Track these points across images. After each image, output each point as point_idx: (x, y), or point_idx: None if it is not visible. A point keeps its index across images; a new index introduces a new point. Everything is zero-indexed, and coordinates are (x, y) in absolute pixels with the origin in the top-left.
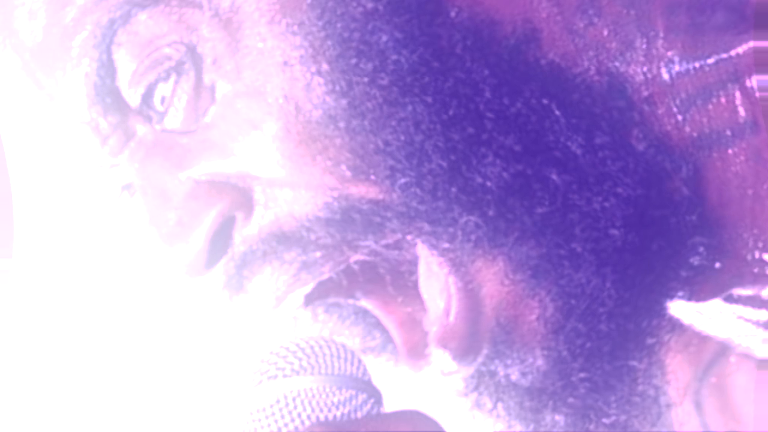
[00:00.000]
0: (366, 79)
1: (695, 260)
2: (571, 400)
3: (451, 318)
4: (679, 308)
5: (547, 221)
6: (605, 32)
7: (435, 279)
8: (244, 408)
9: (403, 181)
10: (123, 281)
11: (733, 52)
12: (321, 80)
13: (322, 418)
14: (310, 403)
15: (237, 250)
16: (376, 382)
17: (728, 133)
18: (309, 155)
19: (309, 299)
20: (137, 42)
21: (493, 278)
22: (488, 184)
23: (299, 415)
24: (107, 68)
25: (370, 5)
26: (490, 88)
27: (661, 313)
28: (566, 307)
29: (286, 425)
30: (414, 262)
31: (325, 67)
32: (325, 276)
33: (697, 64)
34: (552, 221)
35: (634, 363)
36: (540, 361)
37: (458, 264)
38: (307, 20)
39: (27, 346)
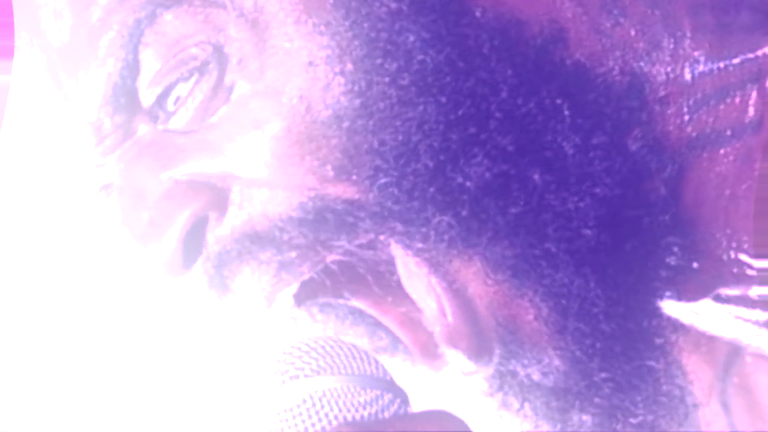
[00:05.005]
0: (387, 79)
1: (671, 260)
2: (597, 400)
3: (450, 318)
4: (673, 309)
5: (520, 221)
6: (632, 32)
7: (416, 279)
8: (270, 408)
9: (383, 181)
10: (122, 283)
11: (759, 52)
12: (342, 80)
13: (349, 418)
14: (336, 403)
15: (211, 250)
16: (400, 382)
17: (728, 133)
18: (299, 155)
19: (298, 299)
20: (164, 42)
21: (475, 278)
22: (467, 184)
23: (326, 415)
24: (131, 68)
25: (393, 5)
26: (509, 88)
27: (658, 313)
28: (559, 308)
29: (313, 425)
30: (391, 262)
31: (349, 67)
32: (306, 276)
33: (721, 64)
34: (525, 221)
35: (652, 363)
36: (557, 361)
37: (436, 264)
38: (334, 20)
39: (18, 347)
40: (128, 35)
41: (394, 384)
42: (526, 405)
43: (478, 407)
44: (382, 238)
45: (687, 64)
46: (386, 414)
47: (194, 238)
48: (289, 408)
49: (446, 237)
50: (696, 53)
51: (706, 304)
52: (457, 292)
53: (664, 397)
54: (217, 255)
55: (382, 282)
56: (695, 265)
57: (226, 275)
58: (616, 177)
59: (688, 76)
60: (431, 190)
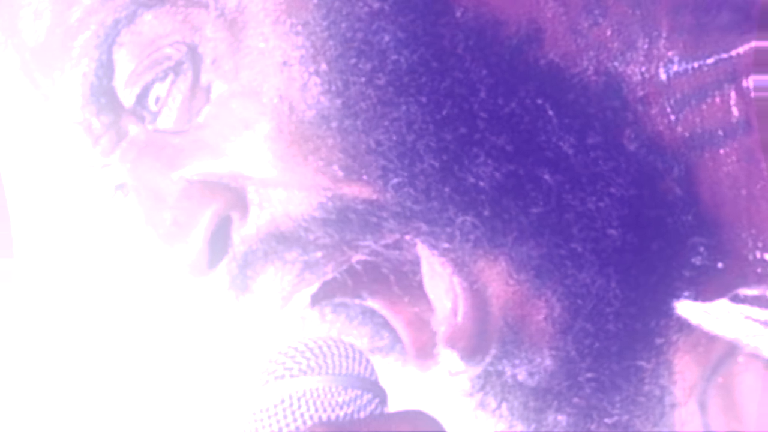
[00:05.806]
0: (363, 79)
1: (697, 260)
2: (576, 400)
3: (459, 318)
4: (686, 308)
5: (544, 221)
6: (609, 32)
7: (439, 279)
8: (248, 408)
9: (395, 181)
10: (125, 280)
11: (733, 52)
12: (318, 80)
13: (324, 418)
14: (314, 403)
15: (238, 250)
16: (383, 382)
17: (720, 133)
18: (301, 155)
19: (315, 299)
20: (139, 42)
21: (498, 278)
22: (481, 184)
23: (302, 415)
24: (106, 68)
25: (376, 5)
26: (486, 88)
27: (669, 313)
28: (573, 307)
29: (287, 425)
30: (416, 262)
31: (323, 67)
32: (329, 276)
33: (696, 64)
34: (549, 221)
35: (642, 363)
36: (548, 361)
37: (461, 264)
38: (312, 20)
39: (29, 347)
40: (104, 35)
41: (376, 384)
42: (504, 405)
43: (455, 407)
44: (408, 238)
45: (661, 64)
46: (362, 414)
47: (220, 238)
48: (265, 408)
49: (472, 237)
50: (670, 53)
51: (720, 304)
52: (476, 292)
53: (643, 398)
54: (243, 255)
55: (404, 282)
56: (720, 265)
57: (250, 275)
58: (627, 177)
59: (663, 76)
60: (446, 189)
